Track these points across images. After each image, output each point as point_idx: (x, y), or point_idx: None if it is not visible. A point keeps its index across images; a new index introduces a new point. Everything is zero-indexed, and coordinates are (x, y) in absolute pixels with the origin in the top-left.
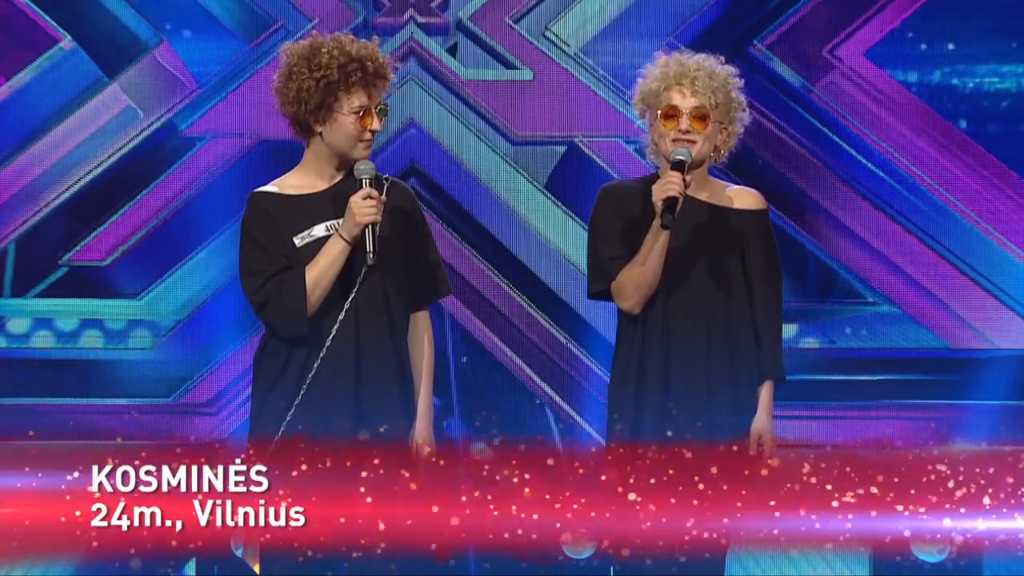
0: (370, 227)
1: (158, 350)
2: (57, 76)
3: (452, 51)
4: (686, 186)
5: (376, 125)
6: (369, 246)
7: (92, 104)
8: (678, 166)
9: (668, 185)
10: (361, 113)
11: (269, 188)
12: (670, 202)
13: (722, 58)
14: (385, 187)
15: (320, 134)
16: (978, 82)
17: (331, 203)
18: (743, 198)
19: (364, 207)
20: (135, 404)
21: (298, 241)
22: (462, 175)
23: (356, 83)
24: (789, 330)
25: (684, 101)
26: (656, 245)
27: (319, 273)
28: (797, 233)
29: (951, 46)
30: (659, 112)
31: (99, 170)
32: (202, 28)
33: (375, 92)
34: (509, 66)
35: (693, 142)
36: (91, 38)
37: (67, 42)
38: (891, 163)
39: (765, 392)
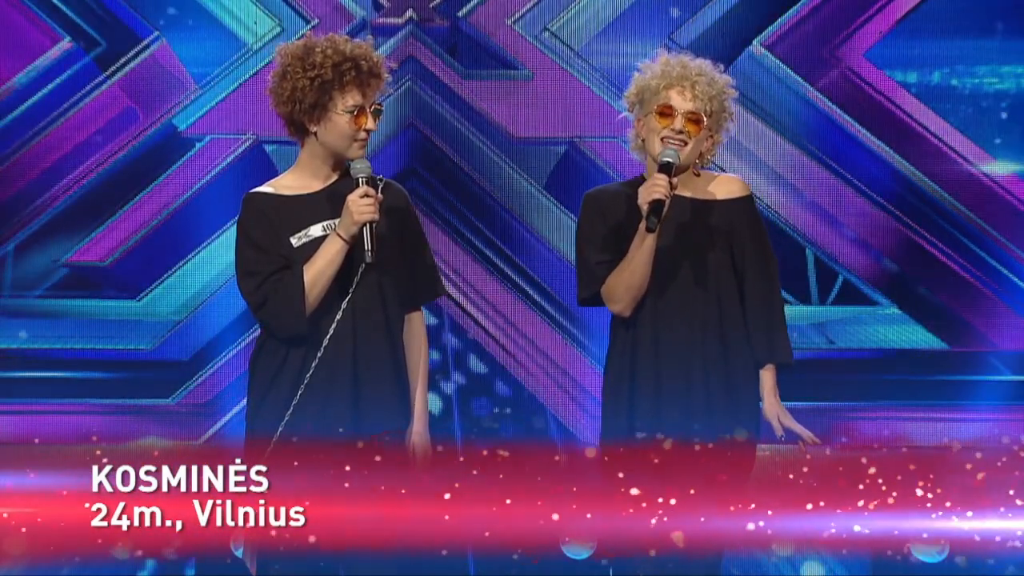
0: (368, 225)
1: (158, 350)
2: (57, 76)
3: (452, 51)
4: (672, 188)
5: (371, 124)
6: (368, 244)
7: (92, 104)
8: (665, 168)
9: (654, 188)
10: (355, 112)
11: (265, 188)
12: (656, 205)
13: (721, 66)
14: (380, 187)
15: (315, 134)
16: (978, 82)
17: (327, 203)
18: (726, 186)
19: (362, 205)
20: (135, 404)
21: (295, 241)
22: (462, 176)
23: (350, 82)
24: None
25: (683, 103)
26: (642, 247)
27: (317, 272)
28: (796, 233)
29: (951, 46)
30: (655, 108)
31: (99, 170)
32: (202, 28)
33: (369, 91)
34: (509, 66)
35: (684, 144)
36: (91, 38)
37: (67, 42)
38: (890, 163)
39: (769, 376)
